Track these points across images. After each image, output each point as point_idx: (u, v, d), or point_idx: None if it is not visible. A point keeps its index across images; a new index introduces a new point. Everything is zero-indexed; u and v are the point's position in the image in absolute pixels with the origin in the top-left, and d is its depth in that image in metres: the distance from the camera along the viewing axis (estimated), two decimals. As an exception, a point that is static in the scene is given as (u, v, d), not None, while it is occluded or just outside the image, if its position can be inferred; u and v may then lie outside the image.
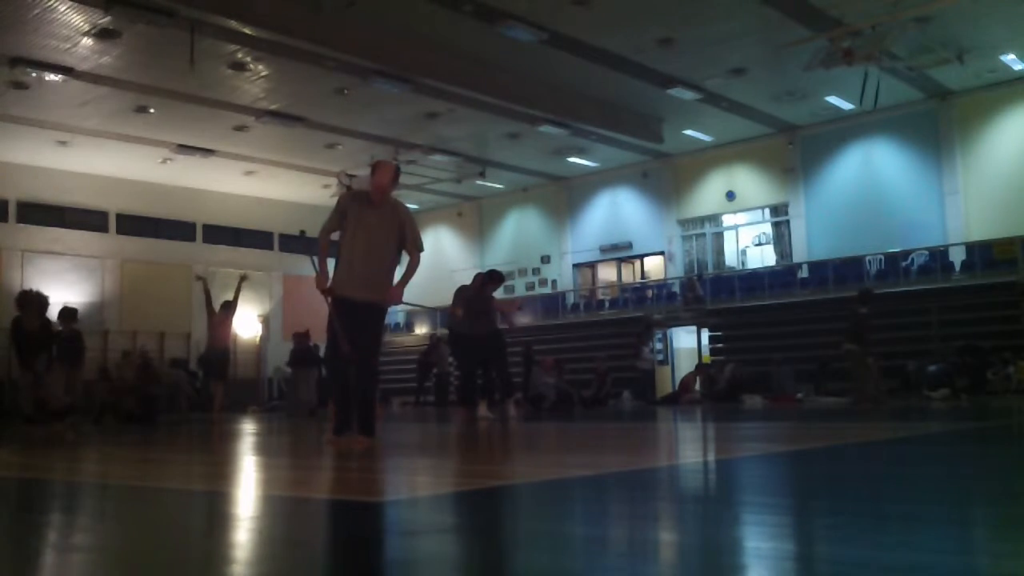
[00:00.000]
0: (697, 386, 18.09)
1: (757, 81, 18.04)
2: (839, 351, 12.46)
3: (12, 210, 22.06)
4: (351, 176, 21.11)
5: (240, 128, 19.80)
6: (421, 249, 5.91)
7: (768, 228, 22.55)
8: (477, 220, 27.69)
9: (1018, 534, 2.25)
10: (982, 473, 3.77)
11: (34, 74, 16.00)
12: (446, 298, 29.29)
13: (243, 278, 13.17)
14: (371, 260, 5.70)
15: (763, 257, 22.54)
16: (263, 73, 16.77)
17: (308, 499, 3.39)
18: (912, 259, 18.56)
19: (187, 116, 18.79)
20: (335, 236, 5.87)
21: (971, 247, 18.10)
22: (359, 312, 5.71)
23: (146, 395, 14.67)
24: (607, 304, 23.84)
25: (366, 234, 5.69)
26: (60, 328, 11.72)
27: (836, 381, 16.09)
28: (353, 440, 5.65)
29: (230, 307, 12.95)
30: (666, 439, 6.85)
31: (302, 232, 8.11)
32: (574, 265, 25.66)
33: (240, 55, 15.82)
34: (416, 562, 2.06)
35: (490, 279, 10.90)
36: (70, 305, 12.58)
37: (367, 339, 5.79)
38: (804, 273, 20.44)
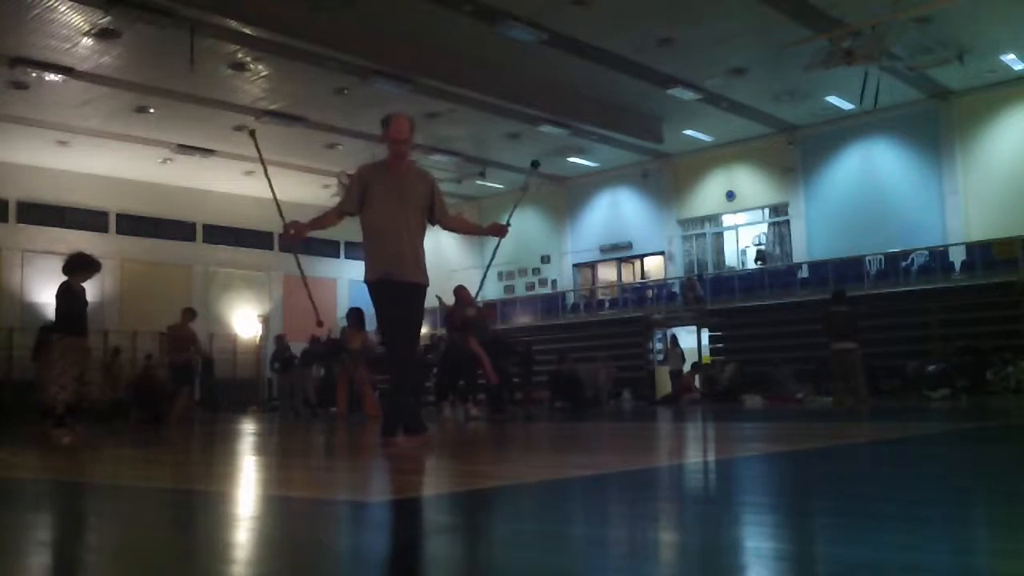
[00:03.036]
0: (697, 384, 18.13)
1: (757, 81, 18.04)
2: (836, 348, 11.97)
3: (12, 210, 22.05)
4: (351, 176, 21.12)
5: (240, 128, 19.78)
6: (447, 215, 5.32)
7: (767, 228, 22.55)
8: (477, 220, 27.67)
9: (1018, 534, 2.25)
10: (982, 473, 3.77)
11: (34, 74, 16.00)
12: (446, 298, 29.21)
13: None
14: (408, 236, 5.05)
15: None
16: (263, 73, 16.77)
17: (308, 499, 3.39)
18: (912, 259, 18.56)
19: (187, 116, 18.79)
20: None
21: (971, 247, 18.11)
22: (404, 296, 5.07)
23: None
24: (607, 304, 23.84)
25: (398, 208, 5.05)
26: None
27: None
28: (414, 440, 5.12)
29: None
30: (666, 439, 6.85)
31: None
32: (574, 265, 25.66)
33: (240, 55, 15.82)
34: (416, 562, 2.06)
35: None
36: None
37: (415, 325, 5.29)
38: (804, 273, 20.44)
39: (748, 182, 22.50)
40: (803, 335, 17.69)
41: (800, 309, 18.51)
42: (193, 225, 25.27)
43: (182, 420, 12.34)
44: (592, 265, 25.72)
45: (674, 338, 20.44)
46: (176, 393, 12.42)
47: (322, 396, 17.20)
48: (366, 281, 5.18)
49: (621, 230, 24.60)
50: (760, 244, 22.74)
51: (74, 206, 22.84)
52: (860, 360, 11.40)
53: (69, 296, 8.09)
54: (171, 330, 12.66)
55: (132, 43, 15.07)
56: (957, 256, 18.30)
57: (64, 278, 8.13)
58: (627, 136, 20.80)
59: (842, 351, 11.28)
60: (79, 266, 8.16)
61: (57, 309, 8.09)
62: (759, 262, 22.03)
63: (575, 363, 16.82)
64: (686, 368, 19.57)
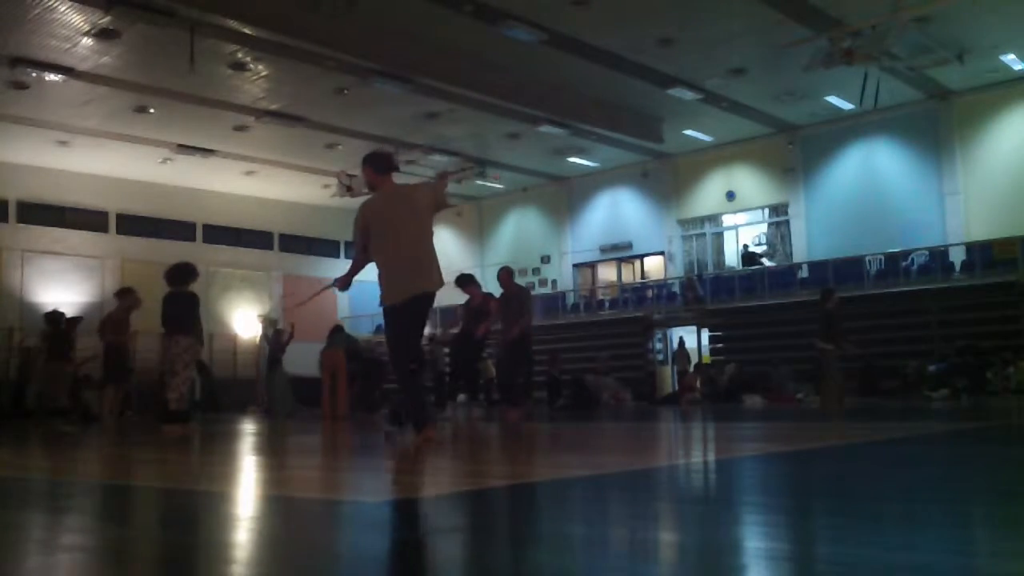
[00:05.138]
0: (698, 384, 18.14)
1: (757, 81, 18.02)
2: (813, 352, 11.91)
3: (12, 210, 22.03)
4: (351, 176, 21.09)
5: (240, 128, 19.78)
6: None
7: (767, 228, 22.55)
8: (477, 220, 27.68)
9: (1018, 534, 2.25)
10: (982, 473, 3.77)
11: (34, 74, 15.99)
12: (446, 298, 29.11)
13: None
14: None
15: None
16: (263, 73, 16.76)
17: (309, 499, 3.39)
18: (912, 259, 18.55)
19: (187, 116, 18.78)
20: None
21: (971, 247, 18.09)
22: None
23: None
24: (607, 304, 23.83)
25: None
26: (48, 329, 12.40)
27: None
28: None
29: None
30: (667, 439, 6.85)
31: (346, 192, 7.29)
32: (574, 265, 25.65)
33: (240, 55, 15.81)
34: (416, 562, 2.06)
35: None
36: (59, 308, 13.04)
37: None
38: (804, 273, 20.43)
39: (748, 182, 22.49)
40: (803, 335, 17.65)
41: (800, 309, 18.50)
42: (193, 225, 25.25)
43: (110, 419, 10.95)
44: (592, 265, 25.70)
45: (682, 340, 20.66)
46: (106, 387, 11.21)
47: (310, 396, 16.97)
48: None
49: (621, 230, 24.59)
50: (761, 243, 22.73)
51: (74, 206, 22.82)
52: (834, 360, 11.24)
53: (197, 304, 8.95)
54: (109, 315, 11.48)
55: (132, 43, 15.05)
56: (957, 256, 18.29)
57: (164, 288, 8.83)
58: (627, 136, 20.78)
59: (823, 351, 11.21)
60: (191, 274, 8.89)
61: (192, 317, 8.79)
62: (746, 264, 21.92)
63: (581, 373, 16.83)
64: (691, 369, 19.62)
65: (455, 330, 12.33)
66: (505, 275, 10.90)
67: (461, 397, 14.30)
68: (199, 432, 8.90)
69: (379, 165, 5.56)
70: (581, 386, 15.11)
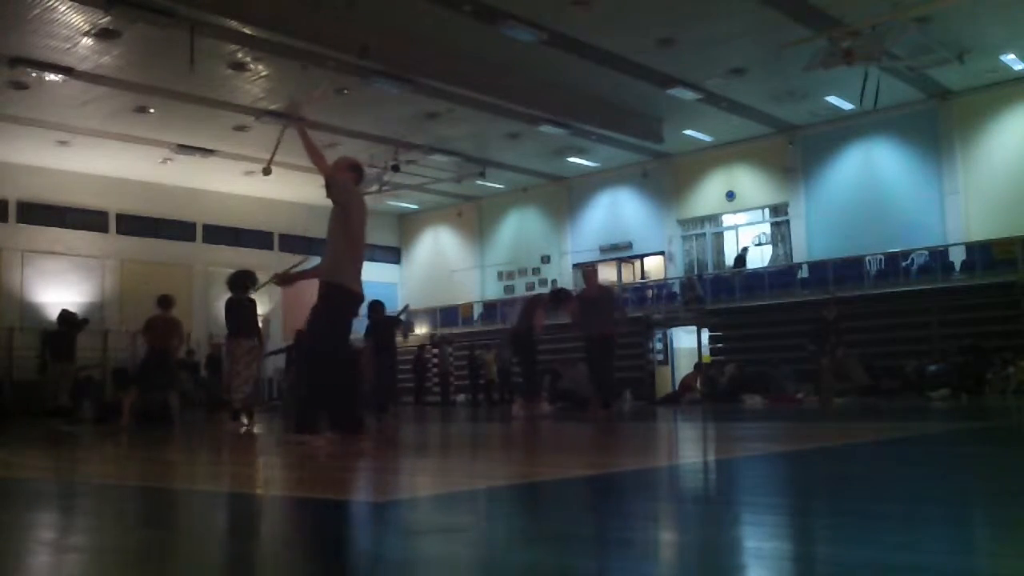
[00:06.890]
0: (698, 384, 18.13)
1: (757, 81, 18.03)
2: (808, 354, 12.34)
3: (12, 210, 22.03)
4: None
5: (240, 128, 19.79)
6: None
7: (768, 228, 22.55)
8: (477, 220, 27.68)
9: (1018, 534, 2.25)
10: (981, 473, 3.77)
11: (34, 74, 15.99)
12: (446, 297, 29.16)
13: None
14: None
15: (763, 257, 22.52)
16: (263, 73, 16.77)
17: (309, 500, 3.39)
18: (912, 259, 18.54)
19: (187, 116, 18.78)
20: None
21: (971, 247, 18.09)
22: None
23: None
24: (607, 304, 23.80)
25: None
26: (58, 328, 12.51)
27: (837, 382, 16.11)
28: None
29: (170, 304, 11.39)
30: (667, 439, 6.85)
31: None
32: (574, 265, 25.65)
33: (240, 55, 15.82)
34: (415, 562, 2.06)
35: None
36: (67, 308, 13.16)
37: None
38: (804, 273, 20.43)
39: (748, 182, 22.49)
40: (803, 335, 17.66)
41: (800, 309, 18.49)
42: (193, 225, 25.25)
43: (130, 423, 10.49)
44: (592, 265, 25.70)
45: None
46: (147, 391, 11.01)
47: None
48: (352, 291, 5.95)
49: (621, 230, 24.59)
50: (761, 243, 22.72)
51: (74, 206, 22.82)
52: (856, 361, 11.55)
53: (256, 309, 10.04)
54: (152, 320, 11.28)
55: (132, 43, 15.06)
56: (957, 256, 18.28)
57: (228, 294, 9.91)
58: (627, 136, 20.78)
59: (844, 357, 11.44)
60: (252, 281, 10.03)
61: (252, 320, 9.92)
62: (735, 266, 21.85)
63: (564, 367, 16.83)
64: (687, 368, 19.60)
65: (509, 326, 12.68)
66: (591, 275, 11.30)
67: (461, 397, 14.32)
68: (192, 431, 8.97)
69: (360, 175, 6.58)
70: (566, 387, 15.14)
